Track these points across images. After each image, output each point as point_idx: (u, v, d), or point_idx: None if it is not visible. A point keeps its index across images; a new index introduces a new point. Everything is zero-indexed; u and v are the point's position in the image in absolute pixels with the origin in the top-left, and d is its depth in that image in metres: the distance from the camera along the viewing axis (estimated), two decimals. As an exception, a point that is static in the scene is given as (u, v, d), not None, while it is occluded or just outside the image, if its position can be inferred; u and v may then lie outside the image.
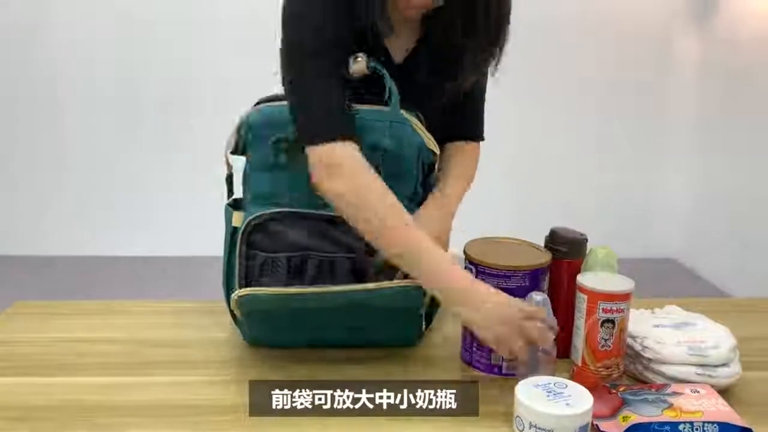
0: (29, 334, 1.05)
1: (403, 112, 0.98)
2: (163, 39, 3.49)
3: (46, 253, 3.56)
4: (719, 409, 0.81)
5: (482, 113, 1.14)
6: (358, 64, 0.96)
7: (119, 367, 0.95)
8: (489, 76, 1.08)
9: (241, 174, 1.01)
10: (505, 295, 0.89)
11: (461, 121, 1.12)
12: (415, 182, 1.00)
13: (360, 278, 0.95)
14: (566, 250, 0.98)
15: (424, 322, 1.02)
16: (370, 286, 0.92)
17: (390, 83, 0.97)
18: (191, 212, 3.56)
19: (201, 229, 3.52)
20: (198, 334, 1.06)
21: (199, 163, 3.45)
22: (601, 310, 0.88)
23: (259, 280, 0.95)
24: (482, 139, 1.14)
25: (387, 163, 0.96)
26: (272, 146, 0.96)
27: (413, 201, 1.00)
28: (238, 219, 0.98)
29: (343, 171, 0.90)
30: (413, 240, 0.90)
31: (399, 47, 1.03)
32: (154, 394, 0.88)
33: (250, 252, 0.96)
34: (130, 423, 0.82)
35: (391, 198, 0.91)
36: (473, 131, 1.13)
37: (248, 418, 0.82)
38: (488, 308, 0.87)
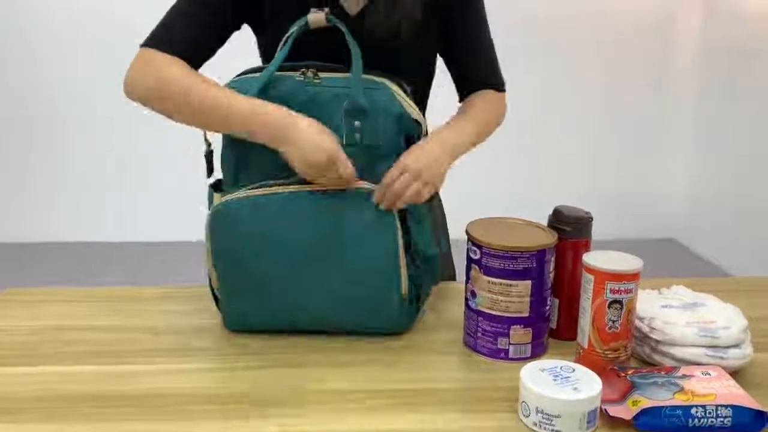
0: (18, 322, 1.02)
1: (382, 79, 0.94)
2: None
3: (34, 239, 3.54)
4: (732, 392, 0.78)
5: (494, 62, 1.14)
6: (317, 15, 0.94)
7: (110, 356, 0.92)
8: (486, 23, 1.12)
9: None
10: (321, 135, 0.89)
11: (472, 71, 1.13)
12: (394, 157, 0.94)
13: None
14: (571, 230, 0.95)
15: (411, 303, 0.96)
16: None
17: (352, 44, 0.93)
18: (180, 197, 3.53)
19: (189, 213, 3.50)
20: (190, 320, 1.02)
21: (186, 147, 3.42)
22: (608, 291, 0.85)
23: None
24: (501, 90, 1.15)
25: (365, 133, 0.92)
26: None
27: None
28: (217, 200, 0.95)
29: (156, 68, 0.95)
30: (219, 96, 0.91)
31: (354, 2, 1.02)
32: (146, 383, 0.85)
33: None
34: (121, 413, 0.79)
35: (191, 76, 0.95)
36: (486, 80, 1.13)
37: (243, 407, 0.80)
38: (299, 146, 0.89)
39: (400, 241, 0.92)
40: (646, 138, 3.77)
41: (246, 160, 0.94)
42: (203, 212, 0.95)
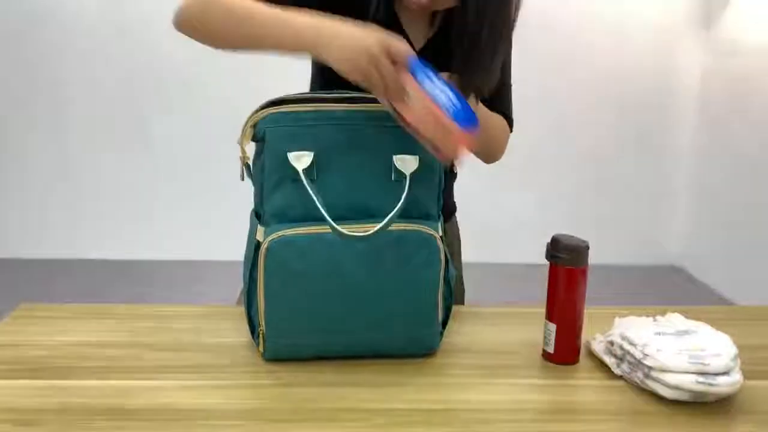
0: (35, 337, 1.05)
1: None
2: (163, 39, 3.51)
3: (51, 256, 3.57)
4: None
5: (509, 101, 1.19)
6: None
7: (125, 371, 0.96)
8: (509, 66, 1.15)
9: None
10: (364, 29, 0.85)
11: (491, 105, 1.13)
12: (439, 188, 0.99)
13: None
14: (567, 257, 0.98)
15: (443, 327, 1.01)
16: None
17: None
18: (196, 216, 3.57)
19: (204, 233, 3.54)
20: (206, 338, 1.06)
21: (207, 165, 3.47)
22: None
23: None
24: (510, 125, 1.19)
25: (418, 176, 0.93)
26: (293, 159, 0.91)
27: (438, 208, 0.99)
28: (261, 233, 0.93)
29: None
30: (248, 7, 0.90)
31: (419, 33, 1.04)
32: (161, 398, 0.88)
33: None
34: (137, 427, 0.82)
35: None
36: (501, 111, 1.17)
37: (258, 424, 0.83)
38: (340, 42, 0.85)
39: (442, 275, 0.95)
40: (649, 164, 3.80)
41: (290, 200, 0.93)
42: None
